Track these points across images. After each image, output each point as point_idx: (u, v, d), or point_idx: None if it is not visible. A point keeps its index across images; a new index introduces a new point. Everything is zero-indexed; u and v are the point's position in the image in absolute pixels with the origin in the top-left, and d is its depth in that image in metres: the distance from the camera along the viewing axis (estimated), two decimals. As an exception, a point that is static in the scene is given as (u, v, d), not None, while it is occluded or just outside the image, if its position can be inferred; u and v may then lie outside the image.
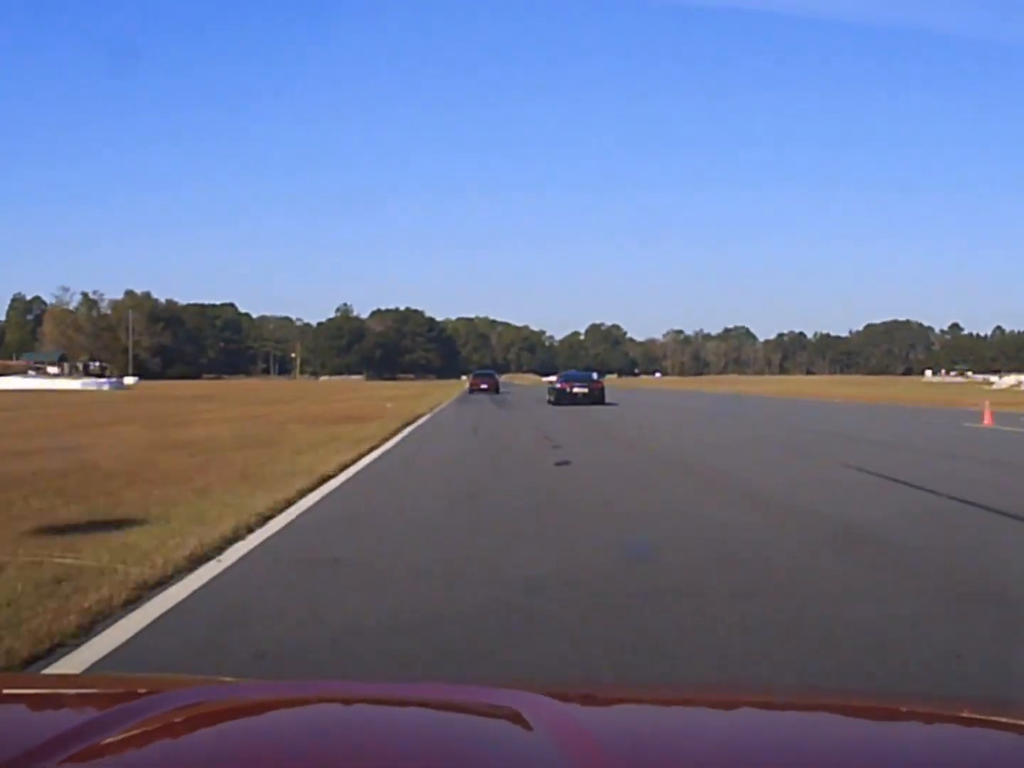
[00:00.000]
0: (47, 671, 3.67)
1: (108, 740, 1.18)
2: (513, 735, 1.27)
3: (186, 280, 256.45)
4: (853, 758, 1.24)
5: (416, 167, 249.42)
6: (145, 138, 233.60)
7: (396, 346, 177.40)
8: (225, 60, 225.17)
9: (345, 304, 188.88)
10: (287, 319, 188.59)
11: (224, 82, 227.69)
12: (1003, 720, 1.46)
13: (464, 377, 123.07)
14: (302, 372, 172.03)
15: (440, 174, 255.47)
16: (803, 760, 1.23)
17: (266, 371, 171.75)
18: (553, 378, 42.87)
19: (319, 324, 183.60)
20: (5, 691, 1.64)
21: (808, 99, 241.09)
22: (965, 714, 1.51)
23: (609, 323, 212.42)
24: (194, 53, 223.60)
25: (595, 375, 39.77)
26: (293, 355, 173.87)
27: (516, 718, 1.28)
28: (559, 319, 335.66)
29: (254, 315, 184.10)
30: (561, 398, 33.35)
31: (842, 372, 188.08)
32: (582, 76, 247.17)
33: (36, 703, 1.54)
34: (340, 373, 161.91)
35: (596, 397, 33.92)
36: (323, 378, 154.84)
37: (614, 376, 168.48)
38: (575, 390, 34.06)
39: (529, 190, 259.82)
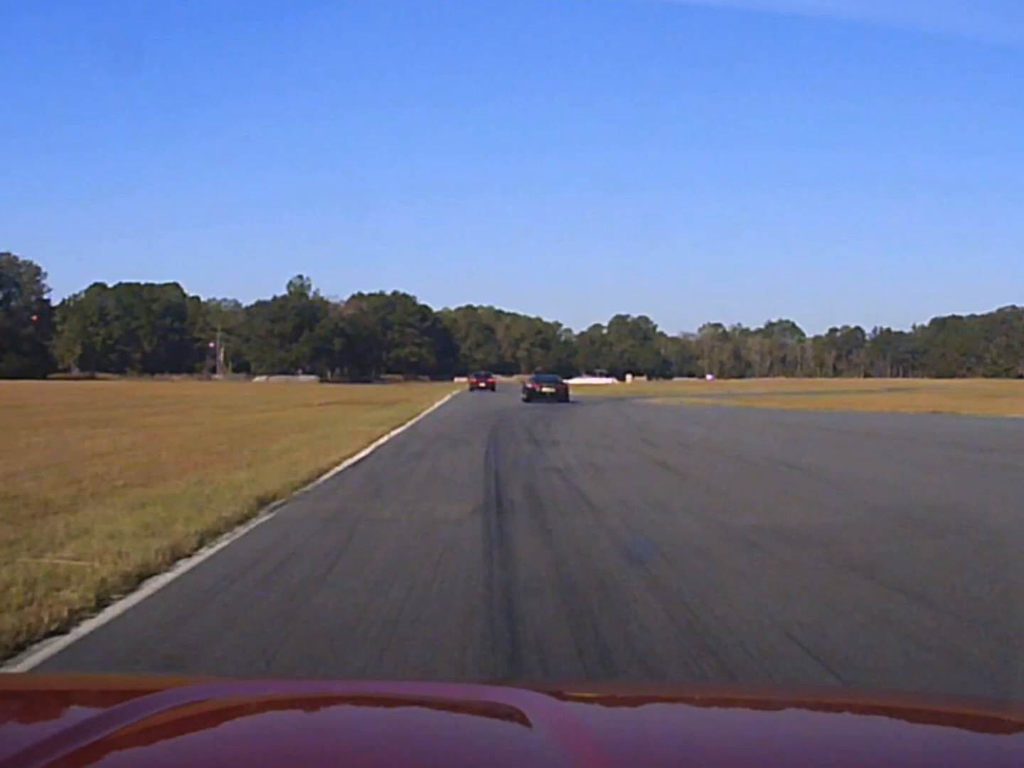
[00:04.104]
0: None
1: (108, 739, 1.26)
2: (514, 733, 1.36)
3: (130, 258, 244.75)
4: (853, 758, 1.33)
5: (413, 156, 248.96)
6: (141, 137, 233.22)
7: (377, 339, 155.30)
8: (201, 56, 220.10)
9: (300, 278, 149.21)
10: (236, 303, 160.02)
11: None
12: (1003, 719, 1.61)
13: (458, 379, 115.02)
14: (236, 370, 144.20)
15: (437, 166, 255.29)
16: (803, 760, 1.32)
17: (213, 369, 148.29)
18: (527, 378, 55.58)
19: (256, 304, 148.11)
20: (5, 691, 1.81)
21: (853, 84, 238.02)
22: (965, 713, 1.66)
23: (636, 315, 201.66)
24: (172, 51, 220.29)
25: (558, 377, 55.11)
26: (211, 344, 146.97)
27: (516, 716, 1.37)
28: (577, 310, 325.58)
29: (204, 298, 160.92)
30: (532, 396, 43.82)
31: (906, 375, 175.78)
32: (582, 72, 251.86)
33: (36, 703, 1.67)
34: (287, 372, 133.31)
35: (561, 396, 44.57)
36: (259, 379, 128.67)
37: (643, 378, 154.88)
38: (544, 389, 44.86)
39: (538, 174, 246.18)
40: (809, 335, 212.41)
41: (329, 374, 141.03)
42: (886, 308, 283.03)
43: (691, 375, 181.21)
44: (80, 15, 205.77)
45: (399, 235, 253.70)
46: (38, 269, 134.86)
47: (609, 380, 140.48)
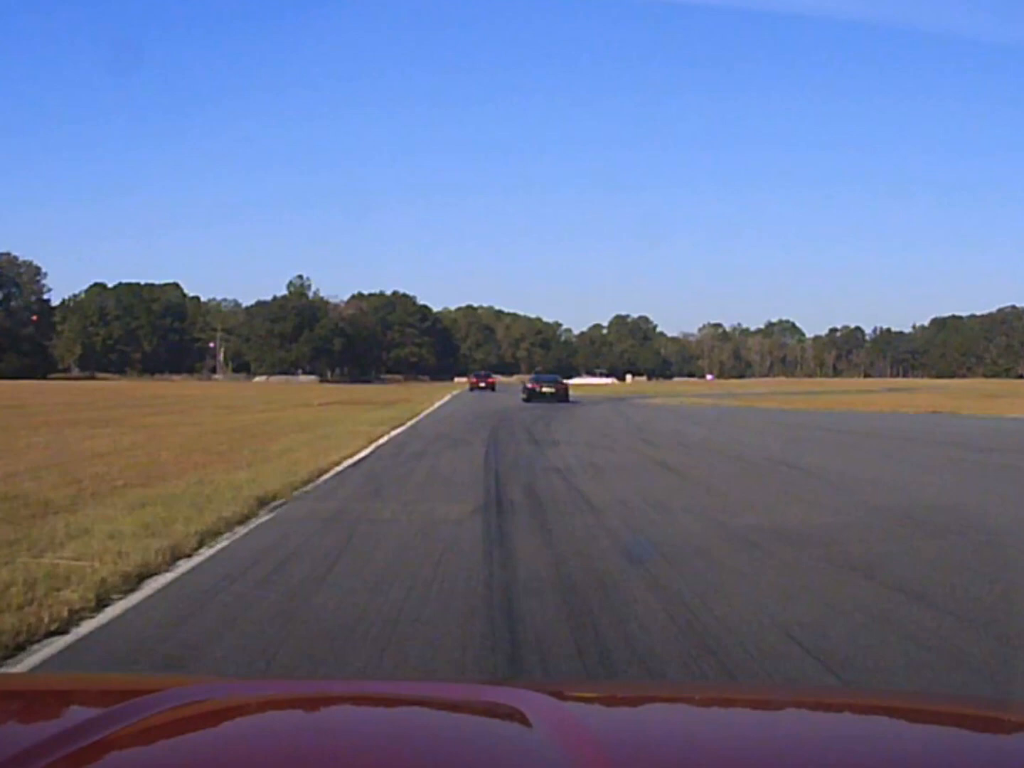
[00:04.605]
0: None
1: (108, 739, 1.26)
2: (514, 733, 1.36)
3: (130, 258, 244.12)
4: (853, 758, 1.33)
5: (413, 156, 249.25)
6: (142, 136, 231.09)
7: (377, 339, 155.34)
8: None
9: (300, 278, 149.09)
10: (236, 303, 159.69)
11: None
12: (1003, 719, 1.61)
13: (458, 379, 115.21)
14: (236, 370, 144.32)
15: (437, 166, 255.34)
16: (803, 760, 1.31)
17: (213, 369, 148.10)
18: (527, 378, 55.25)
19: (256, 304, 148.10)
20: (5, 691, 1.81)
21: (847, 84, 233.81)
22: (965, 713, 1.66)
23: (636, 315, 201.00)
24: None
25: (558, 377, 54.63)
26: (212, 344, 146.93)
27: (516, 716, 1.37)
28: (577, 310, 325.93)
29: (204, 298, 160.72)
30: (532, 396, 43.27)
31: (906, 375, 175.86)
32: (582, 72, 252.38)
33: (36, 703, 1.67)
34: (287, 372, 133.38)
35: (561, 396, 44.09)
36: (259, 379, 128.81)
37: (643, 378, 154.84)
38: (544, 389, 44.34)
39: (538, 174, 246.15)
40: (809, 335, 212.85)
41: (329, 374, 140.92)
42: (886, 308, 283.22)
43: (691, 375, 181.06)
44: (80, 15, 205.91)
45: (399, 235, 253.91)
46: (38, 269, 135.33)
47: (609, 380, 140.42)
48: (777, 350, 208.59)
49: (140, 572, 6.35)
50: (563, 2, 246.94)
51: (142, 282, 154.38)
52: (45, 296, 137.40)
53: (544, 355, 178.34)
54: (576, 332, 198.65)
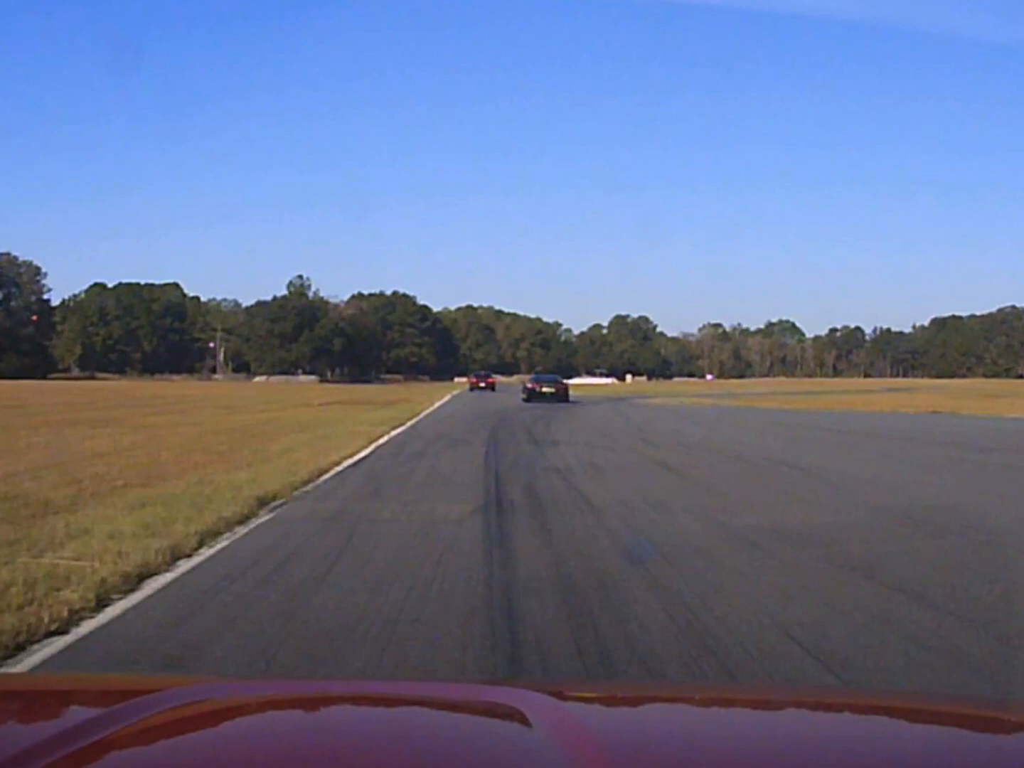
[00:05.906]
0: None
1: (108, 739, 1.26)
2: (514, 733, 1.36)
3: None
4: (853, 758, 1.33)
5: (413, 156, 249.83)
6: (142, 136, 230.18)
7: (377, 339, 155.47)
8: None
9: (300, 278, 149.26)
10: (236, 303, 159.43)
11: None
12: (1003, 719, 1.60)
13: (458, 379, 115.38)
14: (236, 370, 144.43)
15: (437, 166, 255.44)
16: (803, 760, 1.31)
17: (213, 369, 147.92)
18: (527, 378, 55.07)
19: (256, 304, 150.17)
20: (5, 691, 1.81)
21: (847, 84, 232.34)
22: (965, 713, 1.66)
23: (636, 315, 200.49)
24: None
25: (558, 377, 54.31)
26: (212, 344, 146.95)
27: (517, 716, 1.37)
28: (577, 310, 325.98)
29: (204, 298, 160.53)
30: (532, 396, 43.15)
31: (906, 375, 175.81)
32: (582, 72, 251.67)
33: (36, 703, 1.67)
34: (287, 372, 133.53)
35: (561, 396, 43.96)
36: (259, 379, 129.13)
37: (643, 378, 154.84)
38: (544, 389, 44.19)
39: (538, 174, 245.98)
40: (809, 335, 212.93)
41: (329, 374, 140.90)
42: (886, 308, 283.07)
43: (691, 375, 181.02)
44: (80, 15, 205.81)
45: (399, 235, 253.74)
46: (38, 269, 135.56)
47: (609, 380, 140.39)
48: (777, 350, 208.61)
49: (140, 572, 6.35)
50: (563, 2, 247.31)
51: (142, 282, 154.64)
52: (45, 296, 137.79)
53: (544, 355, 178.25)
54: (576, 332, 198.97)
